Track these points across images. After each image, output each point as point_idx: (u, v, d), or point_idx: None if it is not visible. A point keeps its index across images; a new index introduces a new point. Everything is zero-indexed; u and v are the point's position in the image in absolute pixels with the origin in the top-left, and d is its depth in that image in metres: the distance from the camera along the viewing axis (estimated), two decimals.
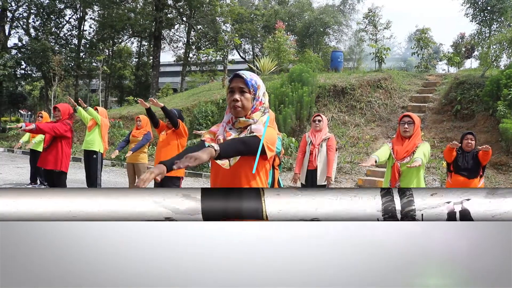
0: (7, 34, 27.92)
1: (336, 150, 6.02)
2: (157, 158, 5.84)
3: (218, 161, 2.15)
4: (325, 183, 5.78)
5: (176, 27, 31.90)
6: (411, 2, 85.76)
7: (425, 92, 14.30)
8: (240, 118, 2.34)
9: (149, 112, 5.93)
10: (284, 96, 13.20)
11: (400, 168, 4.20)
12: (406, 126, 4.31)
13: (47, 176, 6.27)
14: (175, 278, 1.60)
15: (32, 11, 28.75)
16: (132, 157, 7.66)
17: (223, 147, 2.00)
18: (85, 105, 8.45)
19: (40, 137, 8.71)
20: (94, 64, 29.28)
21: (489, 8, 14.81)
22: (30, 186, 9.27)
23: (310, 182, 5.81)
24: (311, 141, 5.88)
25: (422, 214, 1.54)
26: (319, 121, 5.93)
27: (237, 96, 2.31)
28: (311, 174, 5.81)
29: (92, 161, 8.35)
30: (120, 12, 28.07)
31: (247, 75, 2.35)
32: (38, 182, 9.34)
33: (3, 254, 1.57)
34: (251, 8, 30.12)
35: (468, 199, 1.54)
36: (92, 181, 8.43)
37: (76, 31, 30.64)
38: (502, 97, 11.21)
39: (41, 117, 9.42)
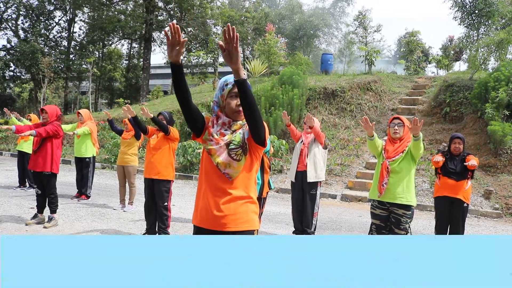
0: None
1: (326, 148, 6.19)
2: (147, 162, 5.74)
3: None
4: (315, 180, 5.94)
5: (166, 29, 31.80)
6: (401, 5, 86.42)
7: (415, 94, 14.42)
8: (238, 122, 2.44)
9: (135, 120, 5.77)
10: (274, 98, 13.23)
11: (389, 166, 4.24)
12: (396, 128, 4.37)
13: (37, 178, 6.17)
14: None
15: (21, 12, 28.53)
16: (122, 159, 7.68)
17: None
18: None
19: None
20: (84, 66, 29.10)
21: (476, 11, 14.96)
22: (19, 189, 9.17)
23: (300, 182, 6.02)
24: (302, 140, 6.15)
25: None
26: None
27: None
28: (301, 175, 6.00)
29: (84, 165, 8.39)
30: (110, 14, 27.93)
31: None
32: (27, 185, 9.25)
33: None
34: (242, 10, 30.12)
35: None
36: (84, 184, 8.43)
37: (65, 33, 30.44)
38: (490, 100, 11.34)
39: (30, 119, 9.33)
